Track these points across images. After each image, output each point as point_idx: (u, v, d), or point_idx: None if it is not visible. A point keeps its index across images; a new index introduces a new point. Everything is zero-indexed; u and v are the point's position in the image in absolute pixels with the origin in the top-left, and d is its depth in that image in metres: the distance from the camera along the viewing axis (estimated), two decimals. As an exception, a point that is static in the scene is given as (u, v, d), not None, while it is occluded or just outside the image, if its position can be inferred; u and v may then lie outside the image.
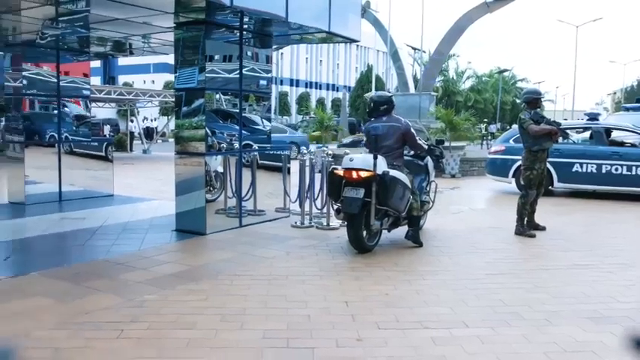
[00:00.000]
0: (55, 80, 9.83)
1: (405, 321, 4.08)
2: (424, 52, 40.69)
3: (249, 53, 7.82)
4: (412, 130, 6.65)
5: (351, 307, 4.39)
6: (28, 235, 7.17)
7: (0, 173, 10.26)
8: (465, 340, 3.75)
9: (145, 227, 7.48)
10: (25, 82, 9.49)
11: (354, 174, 5.97)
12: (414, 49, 41.79)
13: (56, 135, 10.00)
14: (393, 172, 6.09)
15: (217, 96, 7.42)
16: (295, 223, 7.75)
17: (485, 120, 38.70)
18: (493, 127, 42.41)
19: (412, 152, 7.10)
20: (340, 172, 6.12)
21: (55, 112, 10.01)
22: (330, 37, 8.91)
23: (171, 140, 18.93)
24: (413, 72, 38.24)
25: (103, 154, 11.31)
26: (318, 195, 8.06)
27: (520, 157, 7.74)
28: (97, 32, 8.66)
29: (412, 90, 24.90)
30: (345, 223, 6.31)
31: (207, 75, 6.98)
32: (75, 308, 4.29)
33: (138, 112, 28.86)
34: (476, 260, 6.01)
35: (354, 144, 20.58)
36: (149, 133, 31.94)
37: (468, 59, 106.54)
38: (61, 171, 9.85)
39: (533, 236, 7.22)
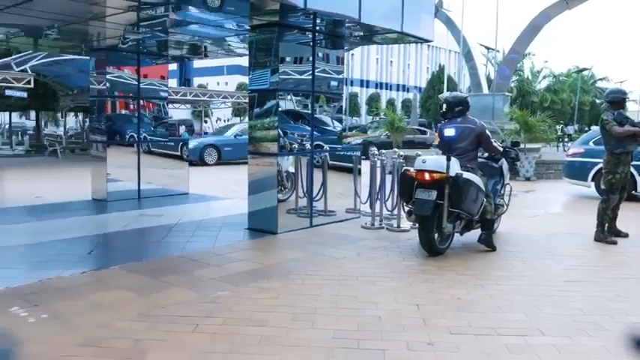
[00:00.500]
0: (136, 83, 10.26)
1: (478, 326, 3.99)
2: (498, 51, 39.66)
3: (320, 54, 7.87)
4: (487, 132, 6.50)
5: (422, 310, 4.34)
6: (109, 231, 7.54)
7: (84, 171, 10.79)
8: (541, 349, 3.62)
9: (219, 225, 7.68)
10: (108, 84, 9.97)
11: (427, 175, 5.90)
12: (488, 48, 40.78)
13: (135, 135, 10.44)
14: (467, 175, 5.97)
15: (289, 97, 7.52)
16: (365, 224, 7.74)
17: (562, 121, 37.24)
18: (570, 129, 40.81)
19: (486, 154, 6.94)
20: (412, 174, 6.06)
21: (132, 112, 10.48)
22: (402, 38, 8.84)
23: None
24: (486, 72, 37.35)
25: (178, 153, 11.71)
26: (388, 196, 8.02)
27: (600, 160, 7.40)
28: (174, 36, 8.97)
29: (485, 90, 24.31)
30: (417, 225, 6.24)
31: (280, 76, 7.09)
32: (153, 302, 4.46)
33: (212, 112, 29.69)
34: (552, 266, 5.80)
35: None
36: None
37: (544, 58, 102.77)
38: (140, 170, 10.27)
39: (615, 243, 6.89)
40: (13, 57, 19.61)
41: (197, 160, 18.50)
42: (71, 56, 17.11)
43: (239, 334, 3.77)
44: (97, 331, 3.81)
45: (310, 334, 3.80)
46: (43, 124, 32.06)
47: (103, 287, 4.83)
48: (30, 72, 19.18)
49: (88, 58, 10.72)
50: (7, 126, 34.49)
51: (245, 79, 42.88)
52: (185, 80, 53.57)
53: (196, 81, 54.18)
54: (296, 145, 7.68)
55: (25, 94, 20.51)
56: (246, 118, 28.60)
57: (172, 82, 42.37)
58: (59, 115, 33.92)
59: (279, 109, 7.17)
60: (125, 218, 8.21)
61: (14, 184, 12.63)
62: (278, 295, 4.65)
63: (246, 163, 7.77)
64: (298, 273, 5.32)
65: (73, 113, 31.70)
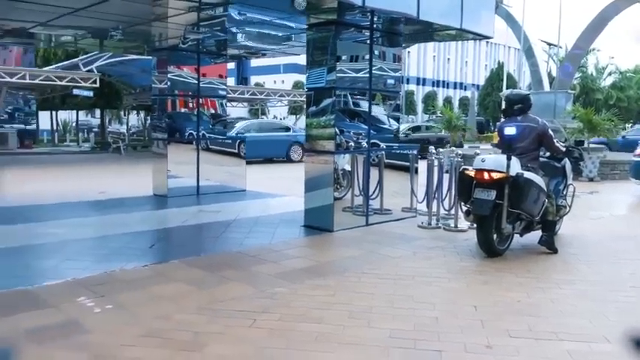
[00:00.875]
0: (196, 81, 10.49)
1: (539, 330, 3.89)
2: (560, 47, 38.42)
3: (377, 52, 7.83)
4: (550, 132, 6.31)
5: (480, 311, 4.26)
6: (169, 226, 7.75)
7: (146, 168, 11.12)
8: (606, 357, 3.50)
9: (275, 222, 7.77)
10: (169, 83, 10.23)
11: (486, 175, 5.78)
12: (550, 44, 39.61)
13: (194, 133, 10.68)
14: (528, 174, 5.82)
15: (345, 95, 7.52)
16: (422, 223, 7.66)
17: (631, 120, 35.71)
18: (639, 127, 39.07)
19: (548, 153, 6.74)
20: (471, 173, 5.95)
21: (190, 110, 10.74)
22: (461, 35, 8.71)
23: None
24: (547, 69, 36.26)
25: (235, 151, 11.91)
26: (445, 195, 7.91)
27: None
28: (233, 35, 9.12)
29: (547, 88, 23.61)
30: (475, 225, 6.13)
31: (337, 74, 7.10)
32: (211, 296, 4.55)
33: (268, 110, 30.08)
34: (618, 270, 5.58)
35: None
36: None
37: (609, 54, 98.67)
38: (199, 166, 10.49)
39: (686, 247, 6.57)
40: (81, 57, 20.46)
41: None
42: (134, 56, 17.71)
43: (295, 331, 3.81)
44: (158, 322, 3.93)
45: (366, 333, 3.79)
46: (107, 122, 33.23)
47: (163, 280, 4.97)
48: (96, 72, 19.95)
49: (150, 57, 11.04)
50: (74, 124, 35.97)
51: (301, 78, 43.16)
52: (242, 79, 54.40)
53: (253, 79, 54.93)
54: (352, 144, 7.67)
55: (91, 93, 21.35)
56: (303, 116, 28.73)
57: (230, 81, 43.11)
58: (122, 113, 35.13)
59: (336, 107, 7.18)
60: (184, 214, 8.42)
61: (80, 180, 13.17)
62: (334, 292, 4.66)
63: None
64: (354, 271, 5.32)
65: (135, 111, 32.75)
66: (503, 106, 6.53)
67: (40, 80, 19.55)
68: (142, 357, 3.35)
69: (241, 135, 18.53)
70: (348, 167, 8.11)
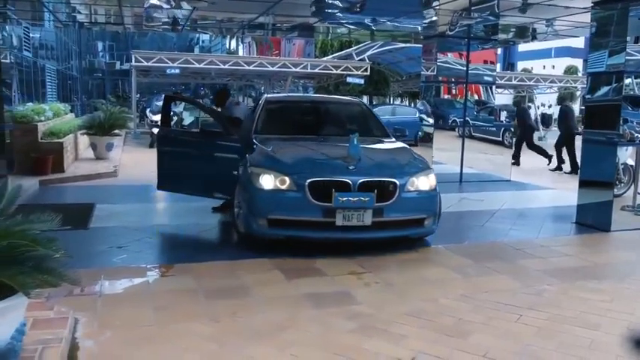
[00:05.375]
0: (464, 68, 10.39)
1: None
2: None
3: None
4: None
5: None
6: (433, 211, 7.84)
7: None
8: None
9: (542, 215, 7.38)
10: (437, 70, 10.30)
11: None
12: None
13: (458, 120, 10.62)
14: None
15: (628, 80, 6.73)
16: None
17: None
18: None
19: None
20: None
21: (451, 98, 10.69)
22: None
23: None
24: None
25: (499, 139, 11.54)
26: None
27: None
28: (504, 19, 8.79)
29: None
30: None
31: (625, 57, 6.36)
32: (475, 284, 4.52)
33: (535, 98, 28.49)
34: None
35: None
36: (545, 120, 31.02)
37: None
38: (463, 153, 10.40)
39: None
40: (354, 48, 21.90)
41: None
42: (402, 44, 18.29)
43: (566, 334, 3.56)
44: (423, 304, 4.04)
45: (652, 348, 3.39)
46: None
47: (428, 264, 5.11)
48: (367, 60, 21.11)
49: (417, 45, 11.27)
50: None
51: (575, 62, 39.73)
52: (509, 64, 52.21)
53: (520, 65, 52.29)
54: (638, 135, 6.85)
55: (362, 81, 22.66)
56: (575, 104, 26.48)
57: (496, 67, 41.66)
58: (387, 99, 36.68)
59: (620, 93, 6.45)
60: (448, 200, 8.36)
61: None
62: (611, 298, 4.24)
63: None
64: (636, 278, 4.77)
65: (399, 98, 33.91)
66: None
67: (319, 69, 21.43)
68: (408, 335, 3.49)
69: None
70: (631, 161, 7.29)
